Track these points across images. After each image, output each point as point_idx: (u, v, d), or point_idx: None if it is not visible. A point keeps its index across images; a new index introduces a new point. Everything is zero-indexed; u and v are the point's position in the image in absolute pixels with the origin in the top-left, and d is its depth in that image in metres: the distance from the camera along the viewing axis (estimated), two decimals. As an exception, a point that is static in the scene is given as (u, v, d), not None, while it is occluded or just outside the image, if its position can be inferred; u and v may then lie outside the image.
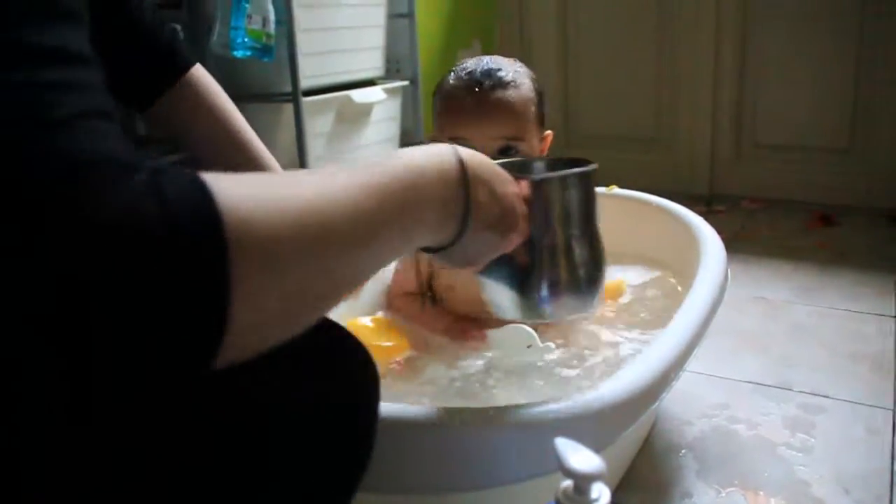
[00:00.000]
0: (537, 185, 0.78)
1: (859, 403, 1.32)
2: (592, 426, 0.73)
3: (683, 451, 1.20)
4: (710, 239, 1.28)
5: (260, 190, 0.45)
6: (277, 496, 0.56)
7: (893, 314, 1.71)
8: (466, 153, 0.65)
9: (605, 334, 1.18)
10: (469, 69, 1.12)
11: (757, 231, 2.41)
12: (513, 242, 0.73)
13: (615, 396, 0.76)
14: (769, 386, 1.40)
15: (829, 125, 2.61)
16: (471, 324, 1.18)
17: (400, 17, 2.58)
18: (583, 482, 0.53)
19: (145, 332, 0.40)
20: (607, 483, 0.54)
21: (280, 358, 0.50)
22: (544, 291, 0.79)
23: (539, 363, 1.07)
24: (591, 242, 0.84)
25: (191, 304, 0.41)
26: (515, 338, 1.07)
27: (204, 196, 0.41)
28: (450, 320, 1.21)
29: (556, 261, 0.79)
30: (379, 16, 2.46)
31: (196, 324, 0.41)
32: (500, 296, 0.81)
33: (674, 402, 1.33)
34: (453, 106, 1.10)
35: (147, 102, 0.97)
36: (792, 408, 1.32)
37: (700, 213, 1.42)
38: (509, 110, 1.09)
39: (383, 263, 0.57)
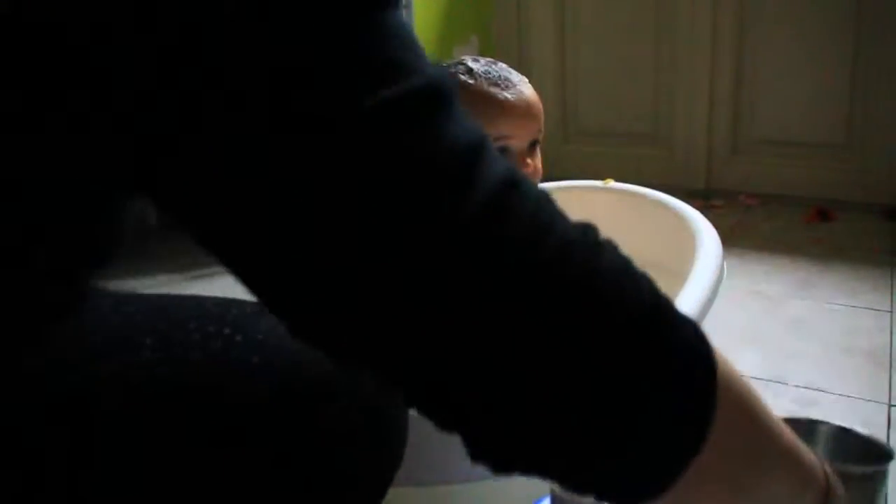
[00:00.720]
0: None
1: (855, 398, 1.32)
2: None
3: (679, 445, 1.19)
4: (706, 232, 1.27)
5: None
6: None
7: (890, 309, 1.71)
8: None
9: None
10: (483, 70, 1.11)
11: (754, 226, 2.41)
12: None
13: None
14: (765, 380, 1.40)
15: (826, 120, 2.61)
16: None
17: (397, 11, 2.58)
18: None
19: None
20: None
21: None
22: None
23: None
24: None
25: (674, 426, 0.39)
26: None
27: (699, 335, 0.41)
28: None
29: None
30: (376, 9, 2.46)
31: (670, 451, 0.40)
32: None
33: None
34: (492, 104, 1.09)
35: None
36: (787, 402, 1.32)
37: (697, 208, 1.41)
38: (539, 106, 1.12)
39: None
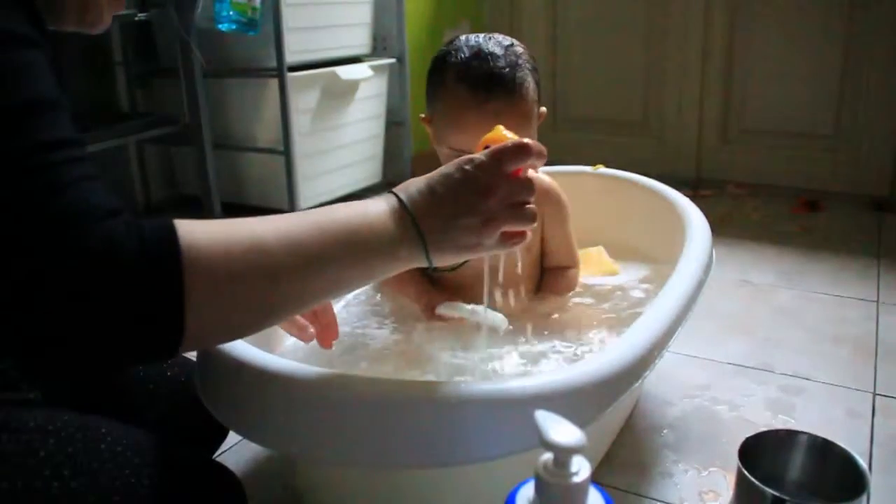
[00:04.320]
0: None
1: (840, 386, 1.33)
2: (575, 402, 0.72)
3: (665, 431, 1.19)
4: (695, 219, 1.27)
5: (216, 229, 0.60)
6: None
7: (876, 299, 1.71)
8: (402, 190, 0.71)
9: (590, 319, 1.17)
10: (471, 64, 1.02)
11: (742, 215, 2.41)
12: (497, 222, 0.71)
13: (598, 373, 0.75)
14: (751, 368, 1.40)
15: (815, 111, 2.61)
16: (444, 297, 1.13)
17: (388, -6, 2.56)
18: (563, 455, 0.52)
19: (121, 328, 0.55)
20: (588, 458, 0.53)
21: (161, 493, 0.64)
22: None
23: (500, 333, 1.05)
24: None
25: (154, 310, 0.56)
26: (495, 320, 1.05)
27: (171, 234, 0.57)
28: (421, 290, 1.17)
29: None
30: (366, -8, 2.44)
31: (158, 325, 0.56)
32: None
33: (656, 382, 1.33)
34: (456, 117, 1.03)
35: None
36: (773, 389, 1.32)
37: (686, 197, 1.41)
38: (514, 117, 1.01)
39: (341, 291, 0.69)
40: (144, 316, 0.55)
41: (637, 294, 1.25)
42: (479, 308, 1.05)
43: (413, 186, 0.71)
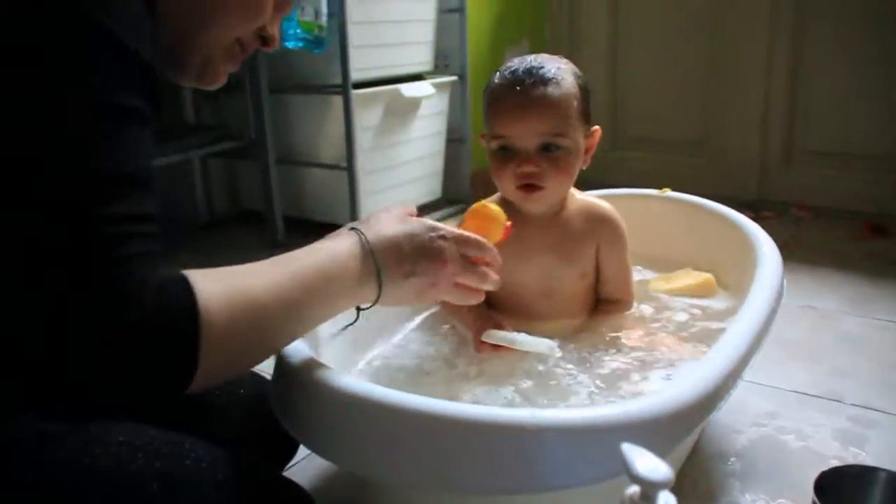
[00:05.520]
0: None
1: (912, 419, 1.30)
2: (655, 431, 0.72)
3: (732, 460, 1.18)
4: (766, 246, 1.26)
5: (221, 290, 0.69)
6: None
7: (947, 329, 1.67)
8: (370, 233, 0.84)
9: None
10: (513, 68, 1.12)
11: (806, 239, 2.37)
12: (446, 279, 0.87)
13: (678, 402, 0.75)
14: (819, 397, 1.37)
15: (881, 132, 2.56)
16: (494, 323, 1.13)
17: (450, 13, 2.58)
18: (651, 490, 0.52)
19: (148, 373, 0.64)
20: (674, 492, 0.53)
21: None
22: None
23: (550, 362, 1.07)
24: None
25: (173, 365, 0.66)
26: (538, 347, 1.07)
27: (190, 299, 0.66)
28: (476, 315, 1.15)
29: None
30: (429, 10, 2.47)
31: (174, 374, 0.66)
32: None
33: (722, 409, 1.31)
34: (495, 105, 1.12)
35: None
36: (843, 420, 1.29)
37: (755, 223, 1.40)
38: (548, 107, 1.08)
39: (313, 326, 0.81)
40: (164, 369, 0.65)
41: (681, 317, 1.26)
42: (523, 335, 1.08)
43: (382, 232, 0.84)
